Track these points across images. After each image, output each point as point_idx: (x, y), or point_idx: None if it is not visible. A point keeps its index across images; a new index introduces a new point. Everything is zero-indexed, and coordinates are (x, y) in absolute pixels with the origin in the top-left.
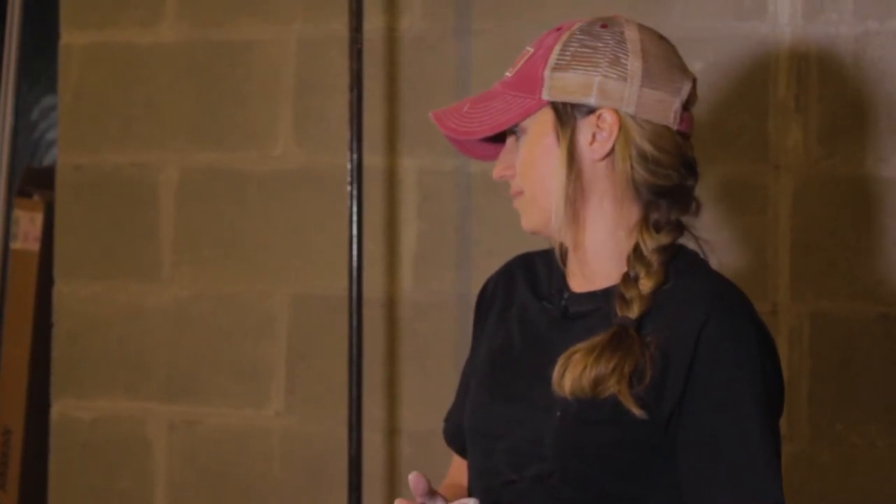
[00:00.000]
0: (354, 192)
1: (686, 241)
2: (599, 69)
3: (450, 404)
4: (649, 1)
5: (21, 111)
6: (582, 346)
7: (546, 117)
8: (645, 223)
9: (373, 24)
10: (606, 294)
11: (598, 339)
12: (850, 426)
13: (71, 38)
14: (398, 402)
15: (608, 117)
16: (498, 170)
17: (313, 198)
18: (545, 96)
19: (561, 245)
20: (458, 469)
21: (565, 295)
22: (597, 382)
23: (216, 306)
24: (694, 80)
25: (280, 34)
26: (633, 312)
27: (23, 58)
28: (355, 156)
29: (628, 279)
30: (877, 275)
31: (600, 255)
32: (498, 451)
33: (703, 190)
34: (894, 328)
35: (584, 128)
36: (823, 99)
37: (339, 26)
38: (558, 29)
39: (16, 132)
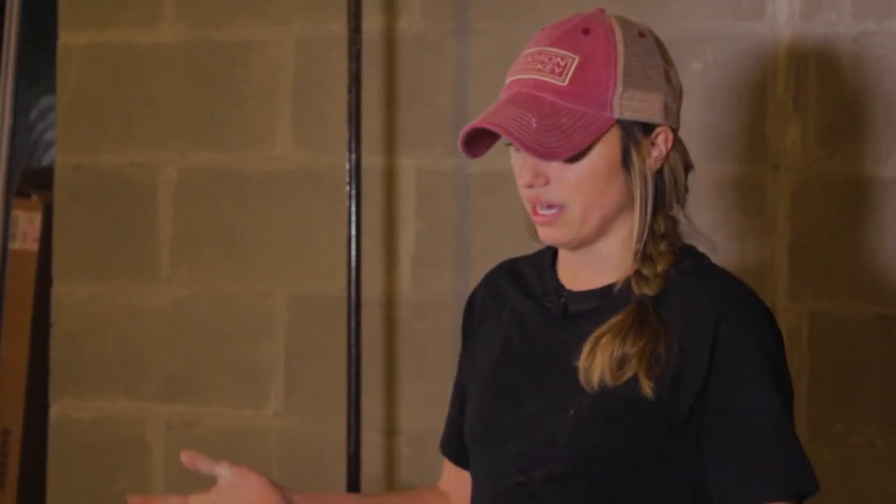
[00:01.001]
0: (353, 193)
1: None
2: (662, 87)
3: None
4: (648, 1)
5: (20, 111)
6: (606, 328)
7: (613, 135)
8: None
9: (371, 24)
10: (605, 291)
11: (619, 319)
12: (850, 426)
13: (70, 38)
14: (397, 403)
15: (666, 136)
16: (529, 178)
17: (312, 198)
18: (616, 115)
19: (549, 247)
20: (447, 477)
21: (564, 293)
22: (622, 362)
23: (215, 306)
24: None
25: (279, 34)
26: (652, 289)
27: (21, 58)
28: (354, 156)
29: (646, 258)
30: (876, 275)
31: (611, 255)
32: (507, 455)
33: (702, 190)
34: (893, 328)
35: (644, 145)
36: (822, 99)
37: (338, 27)
38: (586, 31)
39: (14, 132)
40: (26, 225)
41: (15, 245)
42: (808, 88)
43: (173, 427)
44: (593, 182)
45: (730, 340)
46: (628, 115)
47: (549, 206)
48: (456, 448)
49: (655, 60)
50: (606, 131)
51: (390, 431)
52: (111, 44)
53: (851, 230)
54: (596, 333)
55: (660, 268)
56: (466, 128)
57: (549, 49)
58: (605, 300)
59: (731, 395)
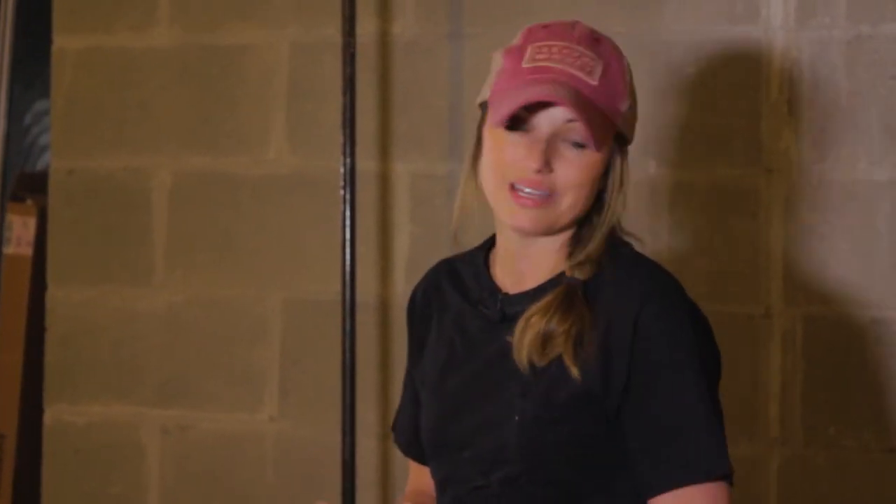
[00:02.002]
0: (347, 197)
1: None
2: (636, 106)
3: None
4: (642, 5)
5: (14, 115)
6: (536, 307)
7: (610, 141)
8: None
9: (366, 28)
10: (537, 291)
11: (549, 298)
12: (844, 429)
13: (64, 42)
14: (391, 407)
15: (624, 153)
16: (541, 162)
17: (306, 202)
18: (619, 125)
19: (481, 247)
20: (418, 476)
21: (499, 297)
22: (546, 339)
23: (209, 311)
24: None
25: (273, 39)
26: (583, 273)
27: (15, 62)
28: (348, 160)
29: (578, 242)
30: (870, 278)
31: (550, 255)
32: (463, 460)
33: (696, 193)
34: (887, 332)
35: (621, 157)
36: (815, 103)
37: (332, 31)
38: (597, 40)
39: (8, 136)
40: (20, 229)
41: (9, 249)
42: (802, 92)
43: (168, 431)
44: (588, 181)
45: (648, 332)
46: (622, 128)
47: (542, 191)
48: (419, 449)
49: (630, 77)
50: (611, 136)
51: (385, 436)
52: (105, 48)
53: (845, 234)
54: (528, 313)
55: (591, 250)
56: (521, 100)
57: (576, 47)
58: (537, 300)
59: (650, 384)
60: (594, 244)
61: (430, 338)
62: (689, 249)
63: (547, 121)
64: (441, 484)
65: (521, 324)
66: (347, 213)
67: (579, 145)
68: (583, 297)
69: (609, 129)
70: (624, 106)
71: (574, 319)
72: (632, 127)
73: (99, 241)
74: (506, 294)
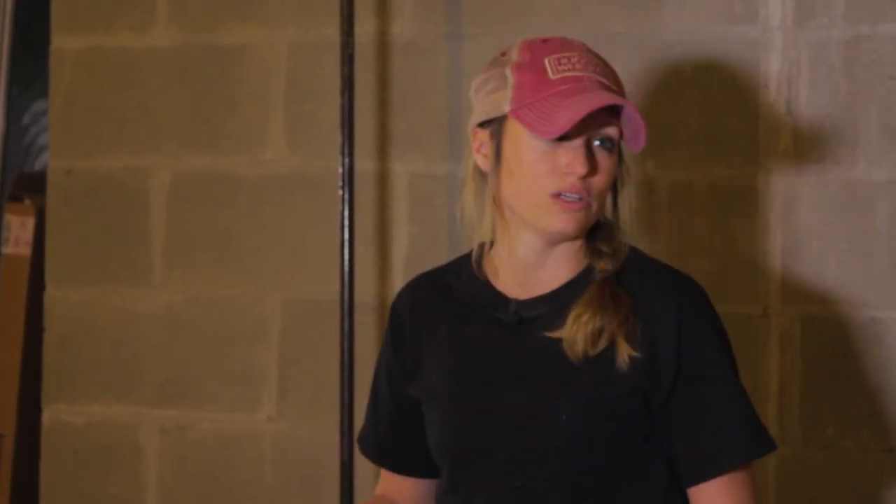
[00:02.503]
0: (346, 197)
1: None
2: None
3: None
4: (642, 5)
5: (12, 115)
6: (580, 306)
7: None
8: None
9: (364, 28)
10: (553, 295)
11: (591, 293)
12: (843, 430)
13: (62, 42)
14: None
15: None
16: (587, 167)
17: (305, 202)
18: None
19: (460, 260)
20: (389, 483)
21: (512, 303)
22: (600, 332)
23: (208, 311)
24: None
25: (272, 39)
26: (613, 264)
27: (14, 62)
28: (347, 160)
29: (607, 232)
30: (867, 278)
31: (568, 258)
32: (498, 462)
33: (695, 194)
34: (885, 332)
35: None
36: (814, 103)
37: (331, 31)
38: (590, 49)
39: (7, 136)
40: (19, 229)
41: (7, 249)
42: (801, 92)
43: (167, 431)
44: (609, 185)
45: (693, 331)
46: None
47: (581, 195)
48: (396, 459)
49: None
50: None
51: None
52: (104, 48)
53: (843, 234)
54: (575, 312)
55: (616, 244)
56: (584, 108)
57: (587, 56)
58: (555, 303)
59: (699, 376)
60: (617, 239)
61: (426, 353)
62: (687, 249)
63: (580, 127)
64: (467, 488)
65: (571, 320)
66: (346, 213)
67: (607, 147)
68: (618, 283)
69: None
70: (642, 133)
71: (620, 308)
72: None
73: (98, 241)
74: (517, 300)
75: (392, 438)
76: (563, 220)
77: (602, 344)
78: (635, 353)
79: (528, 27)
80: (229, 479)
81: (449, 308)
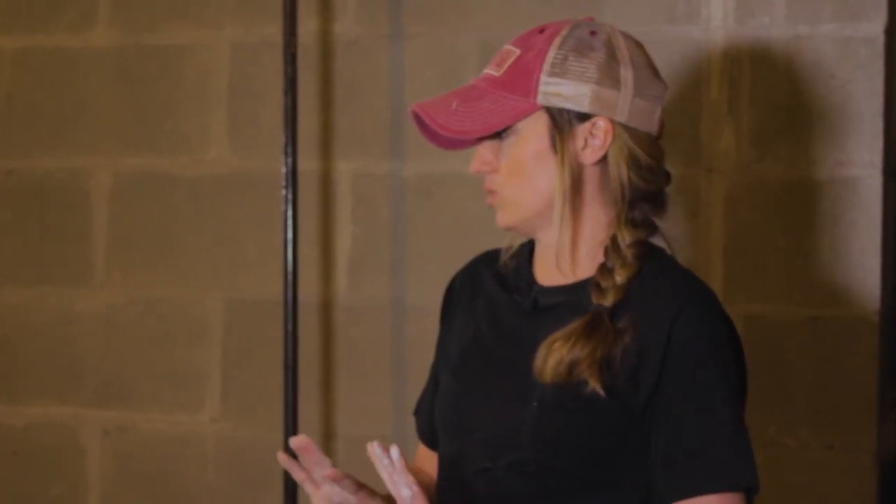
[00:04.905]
0: (290, 197)
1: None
2: (594, 77)
3: (419, 398)
4: (581, 6)
5: None
6: (560, 334)
7: (540, 121)
8: (623, 220)
9: (306, 27)
10: (576, 287)
11: (574, 325)
12: (783, 428)
13: (1, 41)
14: (333, 407)
15: (602, 125)
16: (475, 165)
17: (247, 202)
18: (541, 101)
19: (529, 241)
20: (423, 459)
21: (534, 288)
22: (572, 366)
23: (149, 311)
24: (667, 87)
25: (212, 39)
26: (608, 301)
27: None
28: (290, 160)
29: (605, 269)
30: (808, 278)
31: (577, 251)
32: (473, 441)
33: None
34: (825, 331)
35: (578, 134)
36: (755, 102)
37: (273, 31)
38: (541, 30)
39: None
40: None
41: None
42: (742, 91)
43: (108, 433)
44: (519, 166)
45: (683, 337)
46: (554, 102)
47: (491, 192)
48: (430, 435)
49: (596, 55)
50: (528, 115)
51: (327, 435)
52: (43, 48)
53: (785, 233)
54: (551, 338)
55: (619, 279)
56: (411, 116)
57: (507, 46)
58: (573, 295)
59: (681, 390)
60: (621, 275)
61: (458, 325)
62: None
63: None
64: (448, 463)
65: (543, 348)
66: (290, 213)
67: (506, 140)
68: (609, 320)
69: (511, 110)
70: (538, 80)
71: (597, 344)
72: (574, 98)
73: (38, 241)
74: (540, 285)
75: (430, 411)
76: (496, 218)
77: (573, 377)
78: (602, 394)
79: (468, 28)
80: (172, 480)
81: (493, 285)
